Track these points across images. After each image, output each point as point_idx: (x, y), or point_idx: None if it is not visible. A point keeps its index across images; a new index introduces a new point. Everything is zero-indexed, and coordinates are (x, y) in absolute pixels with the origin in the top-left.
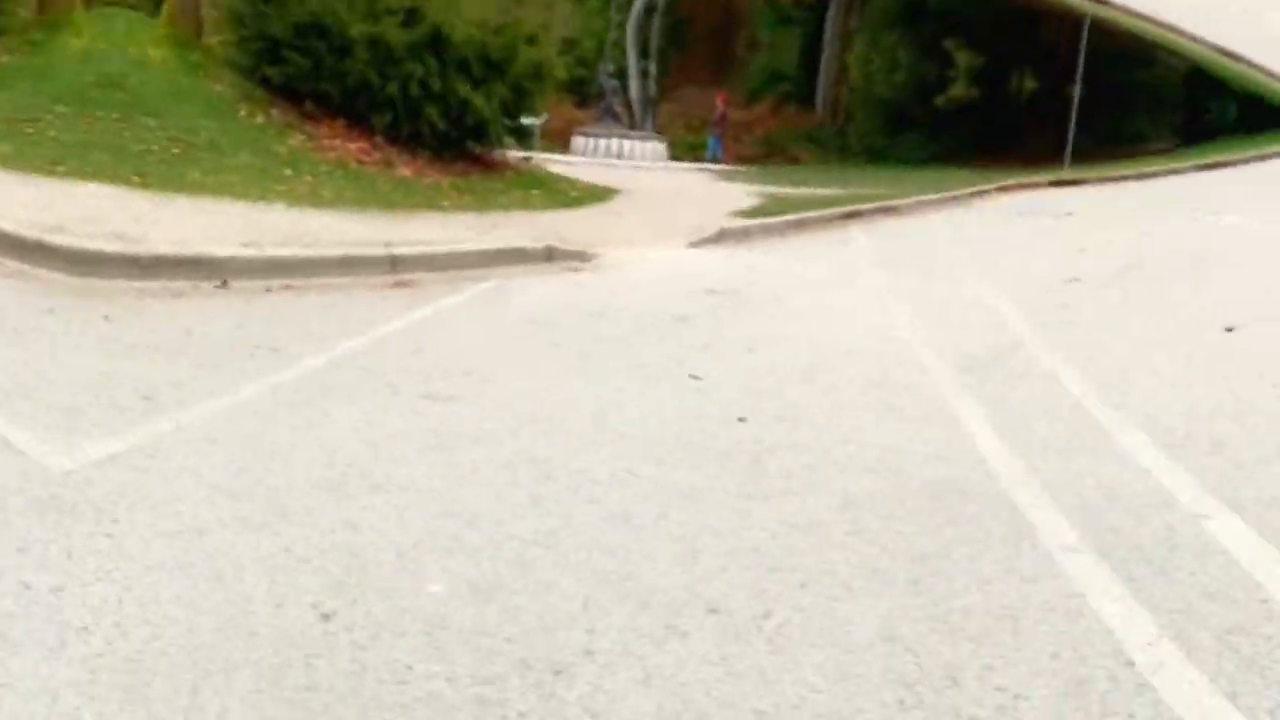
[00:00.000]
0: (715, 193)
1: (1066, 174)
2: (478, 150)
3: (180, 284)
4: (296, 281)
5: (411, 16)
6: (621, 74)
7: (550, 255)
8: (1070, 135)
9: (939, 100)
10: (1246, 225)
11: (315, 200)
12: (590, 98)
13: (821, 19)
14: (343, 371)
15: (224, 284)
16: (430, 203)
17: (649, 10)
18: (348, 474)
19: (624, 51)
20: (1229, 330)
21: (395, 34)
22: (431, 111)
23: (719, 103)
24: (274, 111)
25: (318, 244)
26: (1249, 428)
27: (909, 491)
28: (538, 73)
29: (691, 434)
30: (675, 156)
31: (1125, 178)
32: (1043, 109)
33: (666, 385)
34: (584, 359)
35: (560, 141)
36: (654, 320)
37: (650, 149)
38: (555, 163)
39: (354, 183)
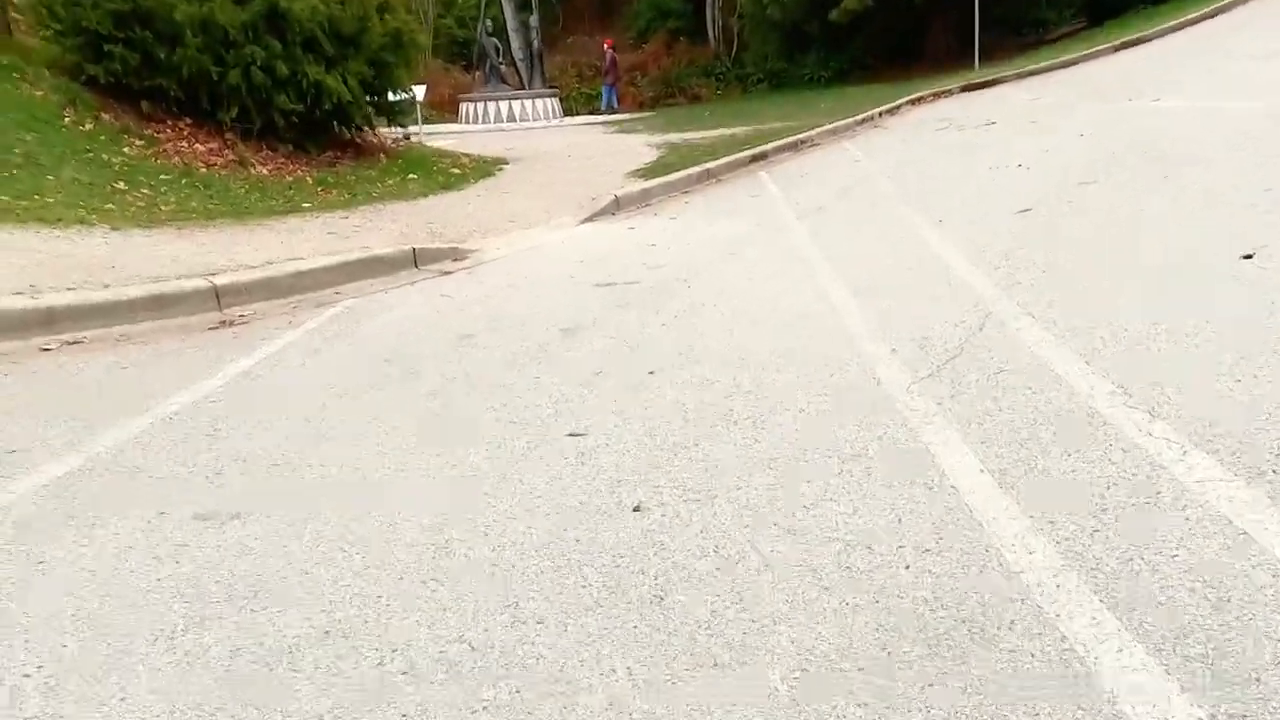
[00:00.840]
0: (612, 148)
1: (978, 75)
2: (346, 135)
3: None
4: (88, 333)
5: None
6: (501, 31)
7: (417, 259)
8: (976, 34)
9: (833, 15)
10: (1191, 107)
11: (149, 217)
12: (474, 60)
13: None
14: (96, 481)
15: None
16: (289, 204)
17: None
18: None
19: (501, 7)
20: (1248, 257)
21: (227, 13)
22: (282, 98)
23: (606, 49)
24: (105, 116)
25: (128, 279)
26: None
27: (903, 635)
28: (397, 42)
29: (567, 554)
30: (570, 110)
31: (1040, 70)
32: (941, 8)
33: (541, 453)
34: (439, 414)
35: (450, 110)
36: (534, 337)
37: (543, 106)
38: (442, 135)
39: (200, 190)
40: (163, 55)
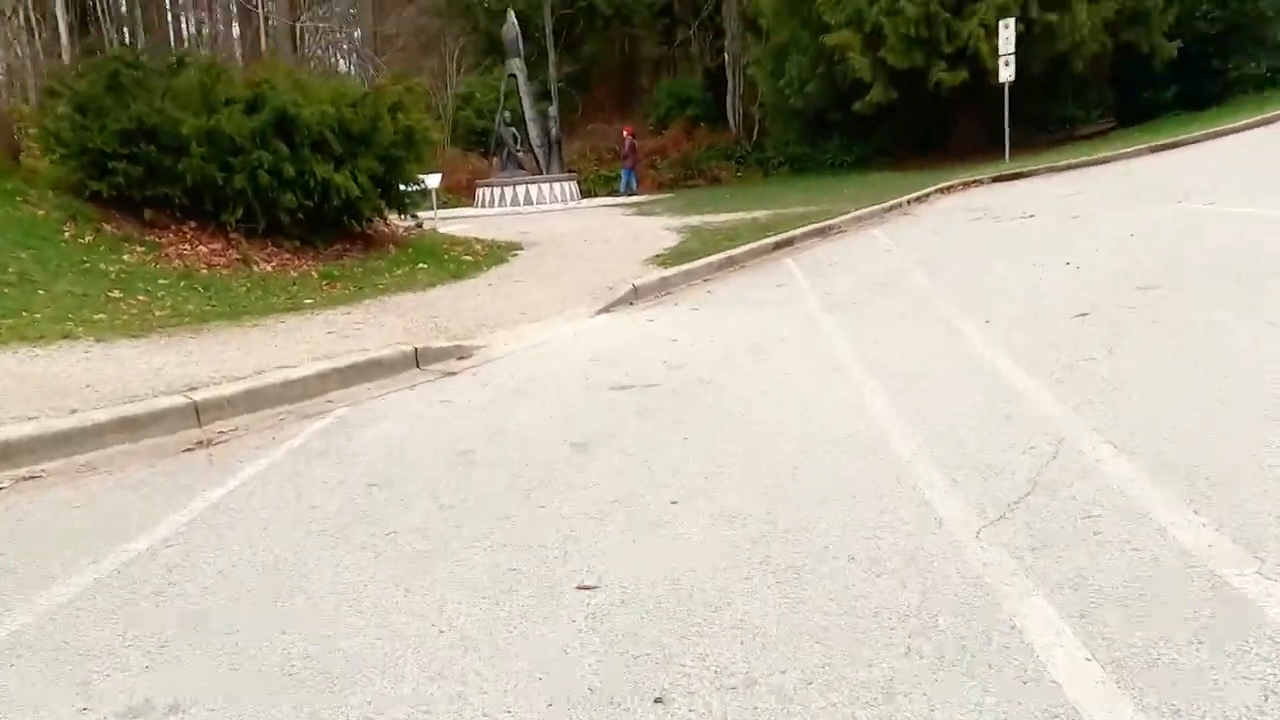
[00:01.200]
0: (631, 232)
1: (1008, 167)
2: (355, 228)
3: None
4: (48, 466)
5: (254, 104)
6: (519, 121)
7: (419, 359)
8: (1006, 125)
9: (857, 106)
10: (1251, 214)
11: (141, 325)
12: (491, 148)
13: (719, 50)
14: (11, 664)
15: None
16: (291, 301)
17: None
18: None
19: (519, 99)
20: None
21: (235, 123)
22: (288, 198)
23: (626, 135)
24: (107, 227)
25: (99, 401)
26: None
27: None
28: (409, 139)
29: None
30: (589, 191)
31: (1073, 165)
32: (969, 103)
33: (544, 612)
34: (427, 557)
35: (468, 195)
36: (541, 454)
37: (560, 189)
38: (458, 220)
39: (199, 292)
40: (168, 164)
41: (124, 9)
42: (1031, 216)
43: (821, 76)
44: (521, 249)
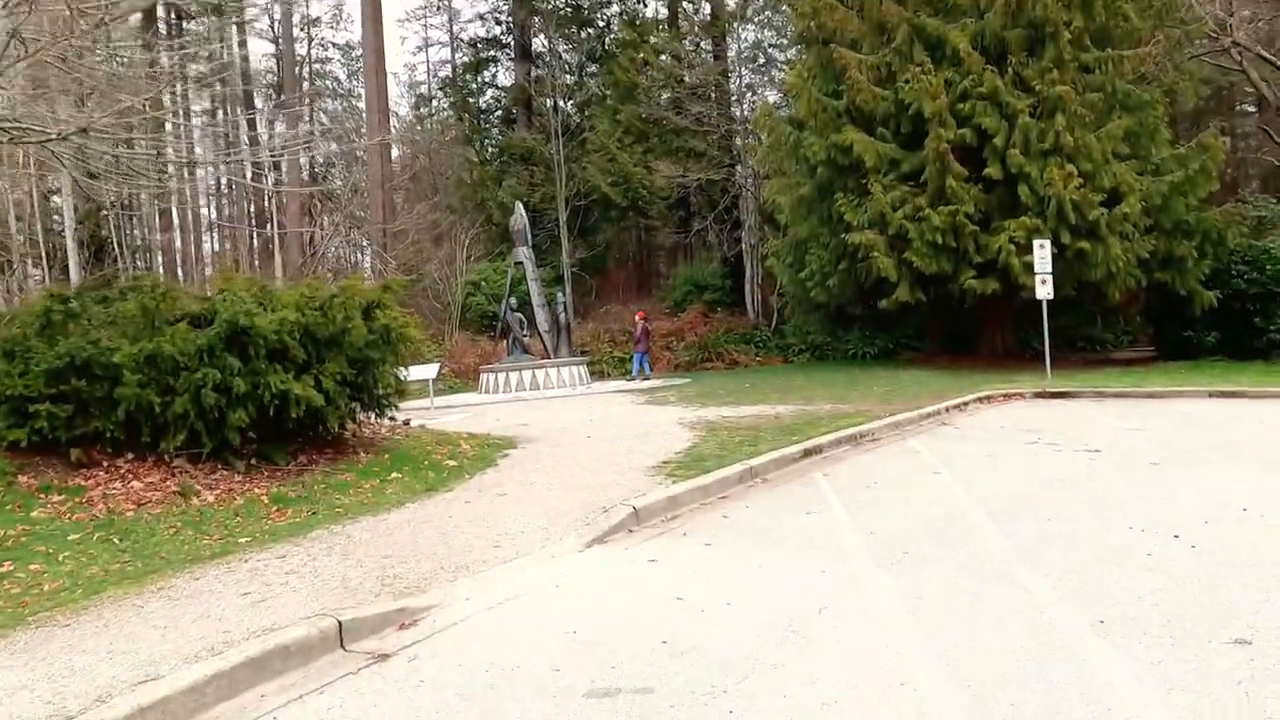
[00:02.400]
0: (640, 427)
1: (1050, 384)
2: (327, 436)
3: None
4: None
5: (202, 320)
6: (526, 306)
7: (343, 636)
8: (1047, 341)
9: (882, 304)
10: None
11: (10, 614)
12: (498, 333)
13: (737, 239)
14: None
15: None
16: (224, 542)
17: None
18: None
19: (528, 285)
20: None
21: (179, 342)
22: (238, 415)
23: (638, 319)
24: (22, 479)
25: None
26: None
27: None
28: (385, 338)
29: None
30: (603, 373)
31: (1123, 394)
32: (996, 310)
33: None
34: None
35: (475, 379)
36: None
37: (568, 374)
38: (457, 410)
39: (113, 546)
40: (100, 396)
41: (139, 239)
42: (1097, 451)
43: (844, 272)
44: (514, 448)
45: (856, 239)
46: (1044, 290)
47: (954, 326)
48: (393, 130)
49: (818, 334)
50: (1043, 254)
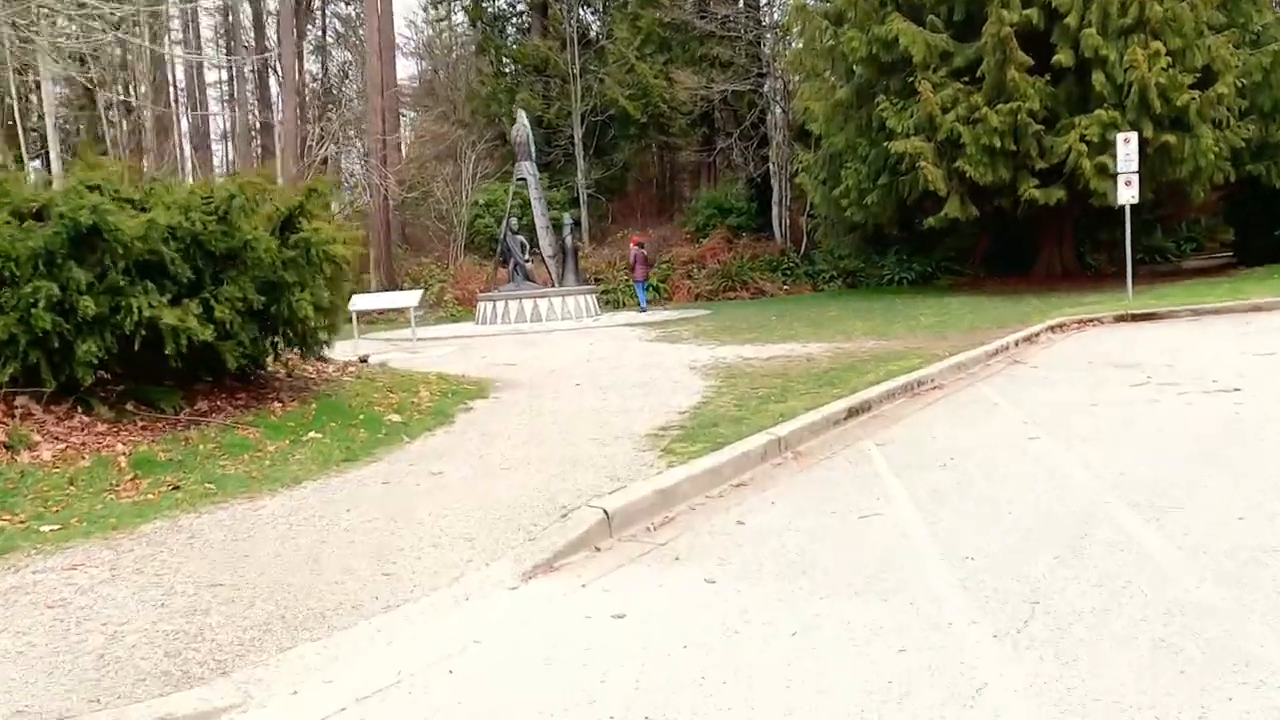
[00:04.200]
0: (643, 371)
1: (1135, 304)
2: (250, 375)
3: None
4: None
5: (39, 214)
6: (531, 228)
7: None
8: (1129, 252)
9: (929, 222)
10: None
11: None
12: (498, 258)
13: (764, 158)
14: None
15: None
16: (19, 530)
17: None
18: None
19: (528, 205)
20: None
21: (2, 243)
22: (88, 348)
23: (632, 246)
24: None
25: None
26: None
27: None
28: (307, 257)
29: None
30: (618, 303)
31: (1221, 310)
32: (1053, 221)
33: None
34: None
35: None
36: None
37: (574, 304)
38: (441, 343)
39: None
40: None
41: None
42: (1237, 391)
43: (883, 188)
44: (485, 398)
45: (900, 147)
46: (1127, 194)
47: (1003, 245)
48: (407, 41)
49: (851, 259)
50: (1128, 150)
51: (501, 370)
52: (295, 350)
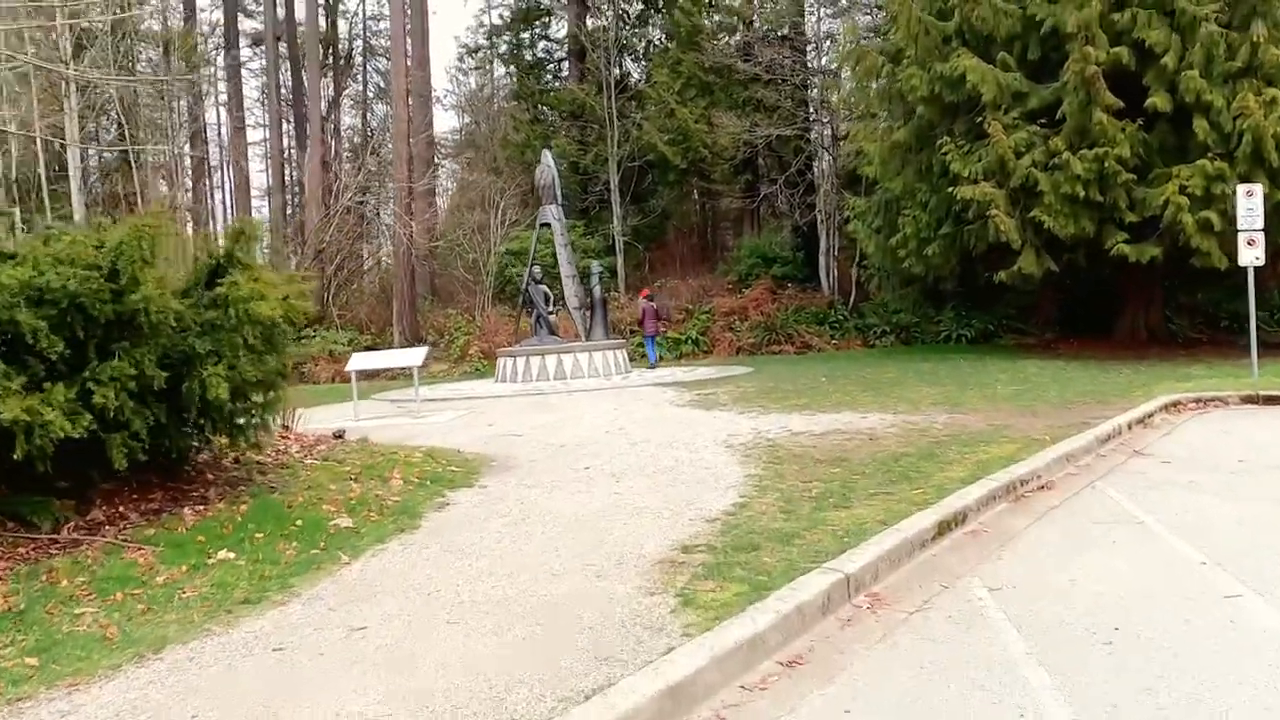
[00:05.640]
0: (669, 449)
1: (1265, 383)
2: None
3: None
4: None
5: None
6: (558, 278)
7: None
8: (1253, 321)
9: (1000, 276)
10: None
11: None
12: (519, 309)
13: (810, 205)
14: None
15: None
16: None
17: (587, 212)
18: None
19: (555, 253)
20: None
21: None
22: None
23: (641, 299)
24: None
25: None
26: None
27: None
28: (228, 318)
29: None
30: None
31: None
32: (1137, 280)
33: None
34: None
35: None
36: None
37: (602, 361)
38: (449, 405)
39: None
40: None
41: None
42: None
43: (945, 238)
44: (470, 486)
45: (968, 193)
46: (1250, 254)
47: (1074, 304)
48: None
49: (905, 313)
50: (1251, 204)
51: (503, 444)
52: (226, 438)
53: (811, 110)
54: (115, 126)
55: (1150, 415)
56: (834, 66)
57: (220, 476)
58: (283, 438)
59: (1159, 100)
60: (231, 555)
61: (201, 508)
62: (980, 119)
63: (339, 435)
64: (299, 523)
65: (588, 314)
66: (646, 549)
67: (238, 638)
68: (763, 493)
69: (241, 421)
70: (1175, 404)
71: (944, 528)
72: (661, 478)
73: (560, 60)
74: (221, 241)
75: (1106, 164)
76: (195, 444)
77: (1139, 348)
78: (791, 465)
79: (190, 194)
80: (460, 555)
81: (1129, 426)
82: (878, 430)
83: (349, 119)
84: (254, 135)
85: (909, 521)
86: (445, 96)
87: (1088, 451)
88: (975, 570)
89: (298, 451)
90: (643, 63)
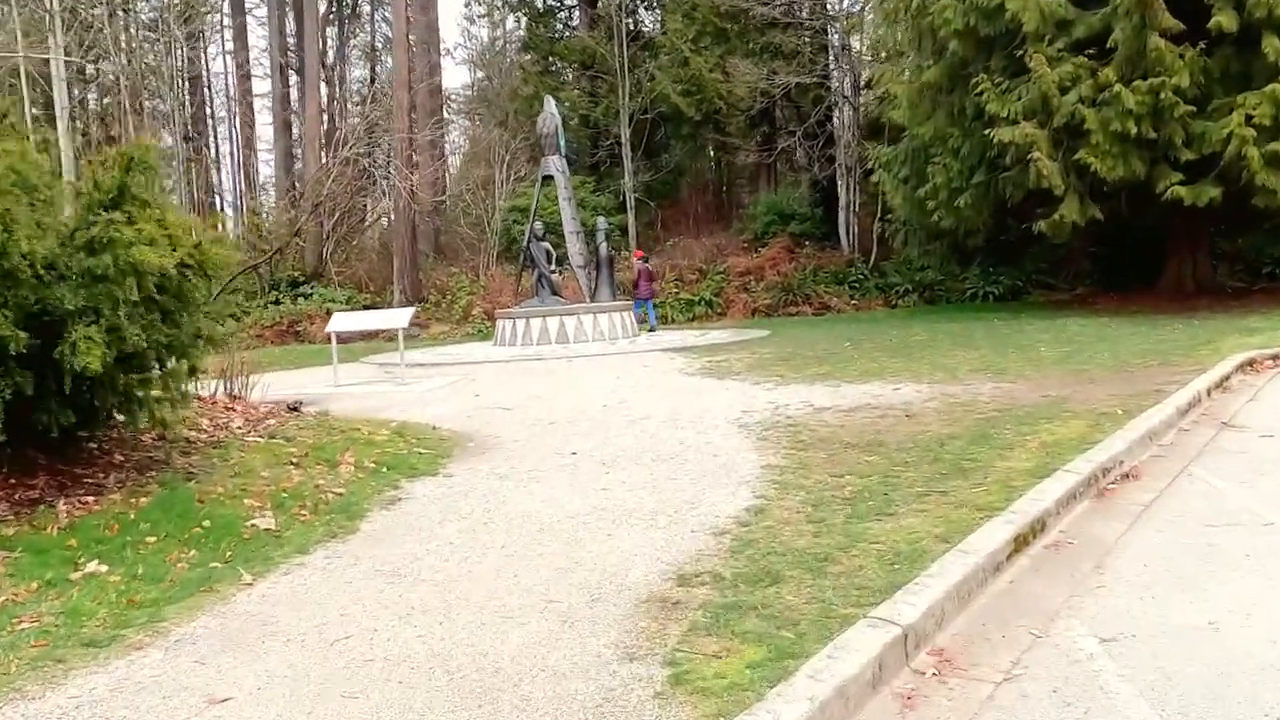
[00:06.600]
0: (675, 429)
1: None
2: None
3: None
4: None
5: None
6: (554, 232)
7: None
8: None
9: (1040, 226)
10: None
11: None
12: (519, 268)
13: (829, 158)
14: None
15: None
16: None
17: (598, 167)
18: None
19: (561, 208)
20: None
21: None
22: None
23: (635, 260)
24: None
25: None
26: None
27: None
28: (116, 265)
29: None
30: (667, 318)
31: None
32: (1185, 227)
33: None
34: None
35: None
36: None
37: (608, 323)
38: (438, 369)
39: None
40: None
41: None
42: None
43: (979, 186)
44: (436, 474)
45: (1007, 135)
46: None
47: (1110, 257)
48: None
49: (931, 271)
50: None
51: (486, 419)
52: (126, 416)
53: (832, 56)
54: (112, 76)
55: (1227, 377)
56: (857, 7)
57: (130, 458)
58: (228, 409)
59: (1224, 19)
60: (103, 568)
61: (91, 499)
62: (1020, 52)
63: (294, 408)
64: (207, 523)
65: (593, 273)
66: (631, 577)
67: (47, 709)
68: (784, 492)
69: (141, 395)
70: (1250, 362)
71: (1021, 542)
72: (660, 468)
73: (571, 7)
74: (112, 173)
75: (1163, 95)
76: (74, 419)
77: (1186, 300)
78: (817, 452)
79: (191, 145)
80: (393, 579)
81: (1208, 393)
82: (914, 404)
83: (358, 71)
84: (262, 87)
85: (977, 538)
86: (455, 49)
87: (1169, 426)
88: (1073, 607)
89: (240, 427)
90: (656, 10)
